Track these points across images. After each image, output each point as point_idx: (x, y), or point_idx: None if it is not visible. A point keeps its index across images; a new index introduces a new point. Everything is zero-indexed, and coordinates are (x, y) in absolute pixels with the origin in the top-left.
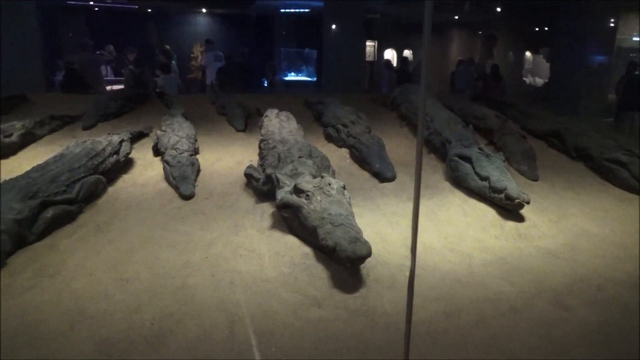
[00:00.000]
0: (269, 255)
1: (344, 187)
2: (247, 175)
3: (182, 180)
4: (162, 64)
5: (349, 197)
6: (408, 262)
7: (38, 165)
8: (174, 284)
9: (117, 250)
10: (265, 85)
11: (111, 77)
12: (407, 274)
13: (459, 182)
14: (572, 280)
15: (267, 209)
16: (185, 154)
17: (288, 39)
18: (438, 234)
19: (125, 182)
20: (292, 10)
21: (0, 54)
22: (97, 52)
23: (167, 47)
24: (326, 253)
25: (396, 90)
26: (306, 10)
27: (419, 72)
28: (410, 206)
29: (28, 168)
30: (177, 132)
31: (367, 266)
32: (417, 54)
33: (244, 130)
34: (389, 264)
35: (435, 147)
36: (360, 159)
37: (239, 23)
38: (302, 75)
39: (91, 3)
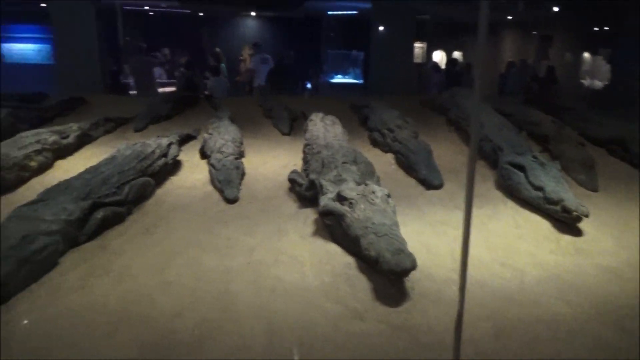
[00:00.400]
0: (311, 263)
1: (388, 196)
2: (291, 180)
3: (227, 183)
4: (212, 66)
5: (394, 206)
6: (455, 276)
7: (91, 167)
8: (215, 289)
9: (162, 253)
10: (311, 87)
11: (164, 80)
12: (455, 288)
13: (510, 192)
14: (636, 303)
15: (310, 214)
16: (231, 158)
17: (335, 41)
18: (488, 246)
19: (173, 185)
20: (340, 12)
21: (61, 57)
22: (151, 54)
23: (217, 50)
24: (369, 264)
25: (445, 94)
26: (354, 12)
27: (468, 74)
28: (458, 216)
29: (82, 168)
30: (223, 135)
31: (411, 279)
32: (467, 55)
33: (289, 134)
34: (435, 278)
35: (486, 153)
36: (406, 165)
37: (287, 26)
38: (348, 78)
39: (146, 8)
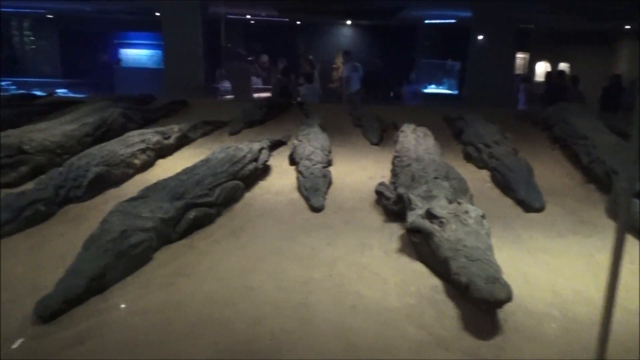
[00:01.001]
0: (395, 282)
1: (483, 217)
2: (378, 193)
3: (313, 192)
4: (306, 73)
5: (489, 228)
6: (556, 313)
7: (187, 168)
8: (295, 299)
9: (246, 257)
10: (399, 97)
11: (260, 86)
12: (555, 326)
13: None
14: None
15: (396, 229)
16: (319, 166)
17: (430, 50)
18: (595, 281)
19: (261, 189)
20: (438, 21)
21: (168, 63)
22: (249, 59)
23: (310, 57)
24: (458, 289)
25: (550, 109)
26: (452, 21)
27: (574, 88)
28: (561, 244)
29: (180, 168)
30: (312, 142)
31: (505, 310)
32: (574, 67)
33: (378, 144)
34: (532, 312)
35: (597, 176)
36: (503, 184)
37: (381, 34)
38: (442, 88)
39: (247, 17)
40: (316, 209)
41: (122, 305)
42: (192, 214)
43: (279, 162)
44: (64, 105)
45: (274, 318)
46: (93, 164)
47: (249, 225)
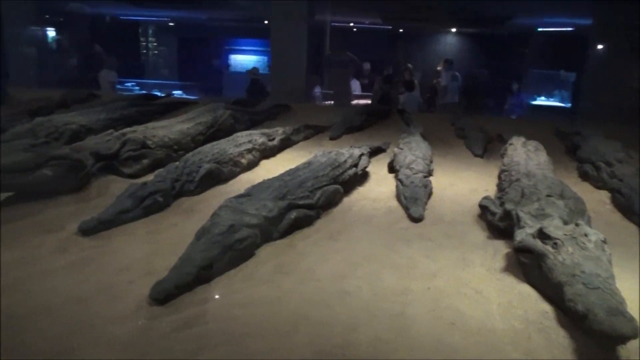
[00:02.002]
0: (499, 303)
1: (604, 242)
2: (483, 207)
3: (413, 201)
4: (407, 81)
5: (610, 255)
6: None
7: (290, 169)
8: (392, 309)
9: (343, 262)
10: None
11: (359, 92)
12: None
13: None
14: None
15: (501, 247)
16: (420, 175)
17: (541, 59)
18: None
19: (359, 195)
20: (552, 29)
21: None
22: (351, 66)
23: (410, 65)
24: (573, 318)
25: None
26: (569, 29)
27: None
28: None
29: (283, 170)
30: (414, 151)
31: (628, 347)
32: None
33: (482, 156)
34: None
35: None
36: (626, 207)
37: (488, 42)
38: (554, 100)
39: (351, 24)
40: (415, 219)
41: (226, 296)
42: (293, 214)
43: (377, 169)
44: (180, 106)
45: (370, 325)
46: (205, 160)
47: (346, 229)
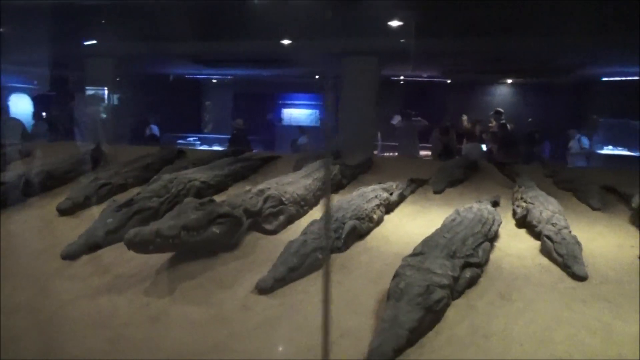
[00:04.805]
0: None
1: None
2: None
3: (573, 259)
4: (467, 132)
5: None
6: None
7: (443, 226)
8: None
9: (533, 324)
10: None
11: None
12: None
13: None
14: None
15: None
16: (565, 231)
17: (608, 108)
18: None
19: (500, 252)
20: (617, 78)
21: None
22: (415, 119)
23: (465, 116)
24: None
25: None
26: (636, 77)
27: None
28: None
29: (406, 225)
30: (546, 206)
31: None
32: None
33: (600, 209)
34: None
35: None
36: None
37: (544, 92)
38: (621, 149)
39: (411, 79)
40: (581, 278)
41: None
42: (468, 273)
43: (502, 225)
44: (269, 160)
45: None
46: (347, 217)
47: (512, 288)
